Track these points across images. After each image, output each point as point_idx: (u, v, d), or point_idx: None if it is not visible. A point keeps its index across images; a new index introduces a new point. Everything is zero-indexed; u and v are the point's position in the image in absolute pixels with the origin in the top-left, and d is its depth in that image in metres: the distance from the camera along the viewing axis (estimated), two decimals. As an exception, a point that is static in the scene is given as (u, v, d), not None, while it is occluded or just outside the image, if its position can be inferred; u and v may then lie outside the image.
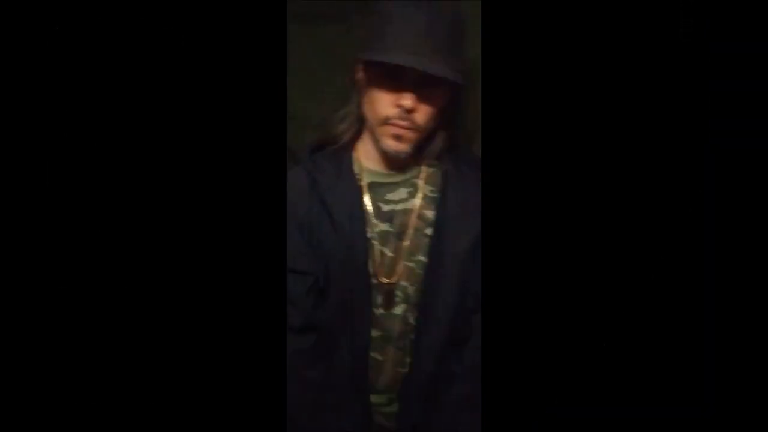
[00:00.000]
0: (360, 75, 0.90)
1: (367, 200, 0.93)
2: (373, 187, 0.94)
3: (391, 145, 0.88)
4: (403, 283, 0.91)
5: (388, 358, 0.92)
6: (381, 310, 0.91)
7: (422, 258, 0.91)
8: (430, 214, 0.93)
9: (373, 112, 0.89)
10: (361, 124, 0.94)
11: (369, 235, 0.91)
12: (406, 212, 0.93)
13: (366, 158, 0.95)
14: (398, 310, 0.91)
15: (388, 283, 0.91)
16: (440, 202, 0.92)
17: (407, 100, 0.84)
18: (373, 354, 0.91)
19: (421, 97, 0.85)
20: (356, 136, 0.95)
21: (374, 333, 0.91)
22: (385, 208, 0.92)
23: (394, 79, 0.84)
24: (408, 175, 0.95)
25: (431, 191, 0.94)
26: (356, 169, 0.94)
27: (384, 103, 0.87)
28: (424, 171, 0.94)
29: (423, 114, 0.87)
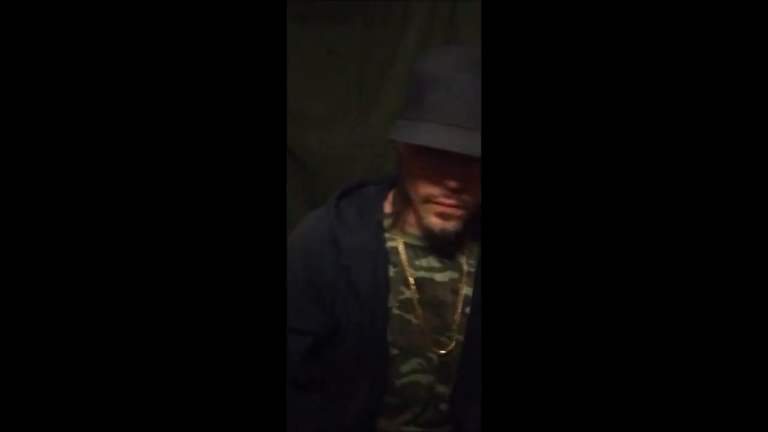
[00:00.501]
0: (398, 147, 0.80)
1: (392, 267, 0.83)
2: (404, 250, 0.84)
3: (435, 223, 0.78)
4: (431, 354, 0.84)
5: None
6: (407, 379, 0.84)
7: (459, 337, 0.83)
8: (465, 289, 0.84)
9: (414, 189, 0.79)
10: (404, 199, 0.82)
11: (390, 304, 0.82)
12: (438, 284, 0.84)
13: (408, 223, 0.84)
14: (423, 378, 0.84)
15: (444, 354, 0.83)
16: (477, 277, 0.83)
17: (452, 181, 0.75)
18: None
19: (470, 175, 0.75)
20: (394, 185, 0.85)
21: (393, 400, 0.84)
22: (416, 274, 0.83)
23: (435, 154, 0.73)
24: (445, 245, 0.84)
25: (468, 264, 0.85)
26: (386, 224, 0.84)
27: (426, 181, 0.77)
28: (469, 244, 0.84)
29: (473, 192, 0.76)
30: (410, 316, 0.83)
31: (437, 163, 0.75)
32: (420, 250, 0.84)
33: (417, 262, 0.84)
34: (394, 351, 0.83)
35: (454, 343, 0.83)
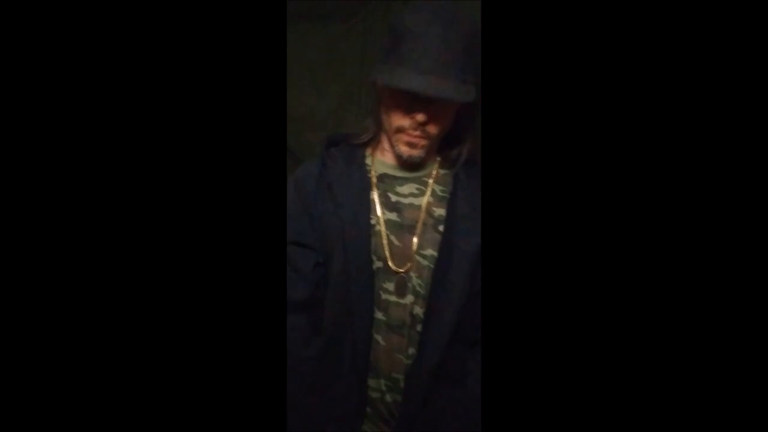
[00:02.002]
0: (377, 86, 0.94)
1: (375, 190, 0.97)
2: (383, 179, 0.98)
3: (404, 150, 0.94)
4: (413, 274, 0.93)
5: (390, 343, 0.93)
6: (392, 297, 0.93)
7: (432, 252, 0.94)
8: (440, 211, 0.96)
9: (388, 122, 0.94)
10: (378, 128, 0.99)
11: (373, 221, 0.94)
12: (414, 207, 0.96)
13: (381, 154, 1.00)
14: (407, 300, 0.93)
15: (400, 272, 0.93)
16: (450, 201, 0.97)
17: (419, 115, 0.89)
18: (376, 336, 0.93)
19: (434, 111, 0.90)
20: (374, 138, 1.00)
21: (379, 316, 0.93)
22: (393, 198, 0.96)
23: (407, 94, 0.87)
24: (419, 174, 0.99)
25: (441, 191, 0.98)
26: (368, 161, 1.00)
27: (398, 115, 0.92)
28: (436, 171, 0.99)
29: (436, 126, 0.92)
30: (392, 237, 0.95)
31: (408, 102, 0.89)
32: (399, 180, 0.98)
33: (397, 189, 0.97)
34: (378, 264, 0.93)
35: (426, 261, 0.94)
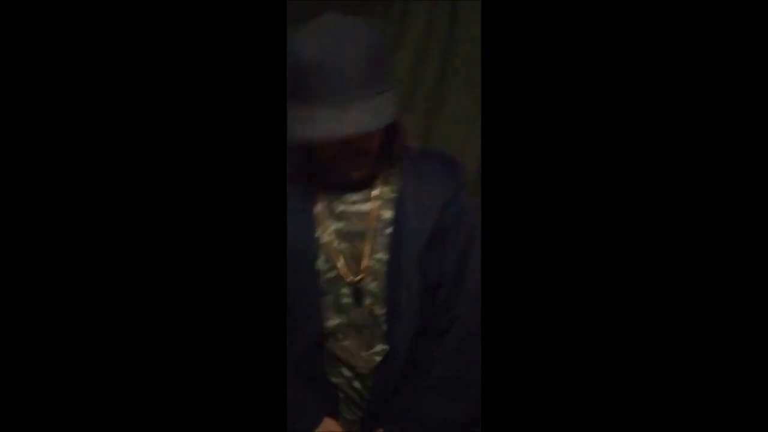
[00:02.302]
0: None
1: (320, 202, 0.95)
2: (329, 189, 0.95)
3: (350, 174, 0.91)
4: (368, 279, 0.94)
5: (356, 342, 0.95)
6: (351, 300, 0.94)
7: (383, 256, 0.94)
8: (388, 214, 0.95)
9: (322, 155, 0.89)
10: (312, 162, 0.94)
11: (318, 234, 0.93)
12: (361, 214, 0.95)
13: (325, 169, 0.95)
14: (365, 303, 0.94)
15: (355, 281, 0.93)
16: (397, 200, 0.95)
17: (348, 153, 0.86)
18: (343, 343, 0.94)
19: (361, 139, 0.85)
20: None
21: (340, 321, 0.94)
22: (339, 208, 0.95)
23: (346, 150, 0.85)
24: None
25: (389, 192, 0.96)
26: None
27: (328, 151, 0.87)
28: (382, 175, 0.96)
29: (371, 143, 0.88)
30: (343, 245, 0.94)
31: (337, 148, 0.85)
32: (344, 187, 0.95)
33: (343, 197, 0.95)
34: (330, 274, 0.94)
35: (379, 265, 0.94)
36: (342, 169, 0.90)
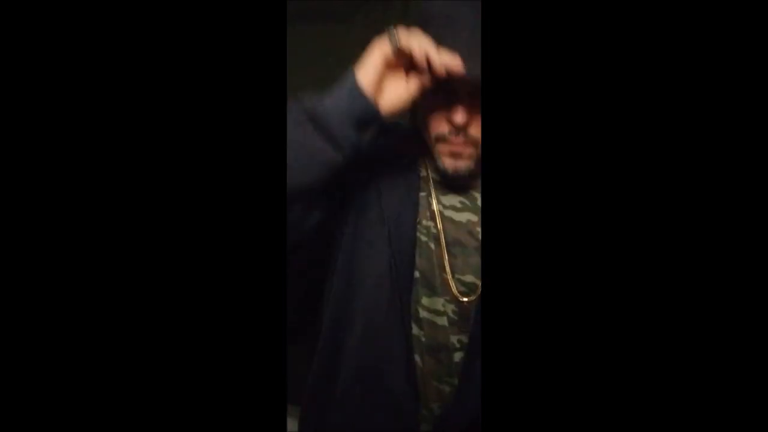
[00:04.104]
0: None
1: (421, 192, 0.85)
2: (430, 181, 0.86)
3: (448, 164, 0.81)
4: (447, 296, 0.84)
5: (428, 365, 0.84)
6: (426, 314, 0.84)
7: (474, 280, 0.83)
8: (479, 230, 0.84)
9: (426, 131, 0.82)
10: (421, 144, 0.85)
11: (416, 224, 0.83)
12: (453, 222, 0.85)
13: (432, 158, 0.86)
14: (442, 321, 0.84)
15: (463, 301, 0.83)
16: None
17: (458, 115, 0.77)
18: (414, 355, 0.84)
19: (475, 109, 0.78)
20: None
21: (416, 332, 0.84)
22: (436, 207, 0.85)
23: (444, 92, 0.77)
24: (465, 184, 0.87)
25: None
26: (421, 162, 0.87)
27: (435, 121, 0.80)
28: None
29: (479, 127, 0.78)
30: (432, 245, 0.84)
31: (444, 98, 0.77)
32: (444, 187, 0.86)
33: (441, 198, 0.86)
34: (417, 273, 0.83)
35: (476, 293, 0.83)
36: (446, 155, 0.80)
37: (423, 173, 0.87)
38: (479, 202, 0.86)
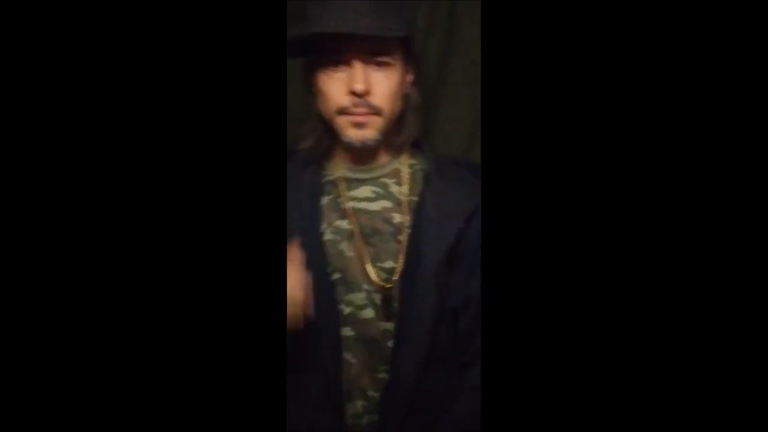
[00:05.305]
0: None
1: (325, 195, 0.87)
2: (337, 183, 0.88)
3: (352, 135, 0.82)
4: (368, 287, 0.85)
5: (361, 360, 0.85)
6: (354, 310, 0.85)
7: (392, 264, 0.85)
8: (399, 218, 0.86)
9: (326, 107, 0.83)
10: (326, 127, 0.86)
11: (322, 230, 0.85)
12: (369, 213, 0.87)
13: (339, 156, 0.89)
14: (368, 313, 0.85)
15: (386, 287, 0.84)
16: (418, 206, 0.86)
17: (357, 83, 0.78)
18: (345, 355, 0.85)
19: (373, 76, 0.80)
20: (329, 144, 0.88)
21: (346, 332, 0.85)
22: (347, 204, 0.86)
23: (339, 62, 0.79)
24: (376, 174, 0.88)
25: (404, 193, 0.87)
26: (326, 167, 0.89)
27: (334, 94, 0.80)
28: (397, 170, 0.88)
29: (380, 95, 0.81)
30: (344, 245, 0.85)
31: (340, 68, 0.79)
32: (355, 182, 0.88)
33: (351, 193, 0.87)
34: (336, 276, 0.85)
35: (396, 276, 0.84)
36: (349, 126, 0.80)
37: (329, 177, 0.89)
38: (392, 189, 0.87)
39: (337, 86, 0.80)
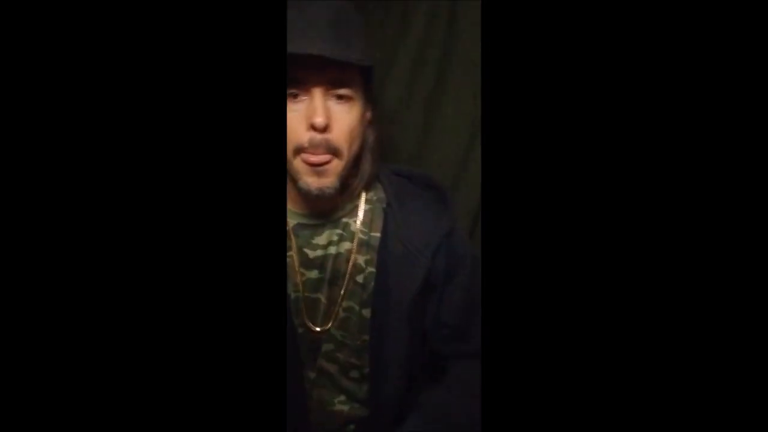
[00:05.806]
0: None
1: (289, 249, 0.83)
2: (297, 232, 0.84)
3: (311, 182, 0.77)
4: (335, 331, 0.85)
5: (338, 398, 0.86)
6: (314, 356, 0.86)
7: (353, 305, 0.85)
8: (361, 259, 0.85)
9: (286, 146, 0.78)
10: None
11: (290, 290, 0.83)
12: (336, 257, 0.84)
13: (292, 203, 0.84)
14: (339, 354, 0.86)
15: (317, 331, 0.84)
16: (381, 243, 0.83)
17: (318, 116, 0.73)
18: (317, 391, 0.87)
19: (333, 109, 0.76)
20: None
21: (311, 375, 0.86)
22: (311, 254, 0.84)
23: (297, 94, 0.75)
24: (336, 215, 0.85)
25: (363, 233, 0.85)
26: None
27: (291, 130, 0.75)
28: (357, 208, 0.85)
29: (339, 132, 0.76)
30: (317, 295, 0.84)
31: (300, 101, 0.75)
32: (314, 228, 0.84)
33: (314, 241, 0.84)
34: (300, 330, 0.84)
35: (346, 313, 0.84)
36: (307, 171, 0.76)
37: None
38: (353, 228, 0.84)
39: (295, 121, 0.75)
